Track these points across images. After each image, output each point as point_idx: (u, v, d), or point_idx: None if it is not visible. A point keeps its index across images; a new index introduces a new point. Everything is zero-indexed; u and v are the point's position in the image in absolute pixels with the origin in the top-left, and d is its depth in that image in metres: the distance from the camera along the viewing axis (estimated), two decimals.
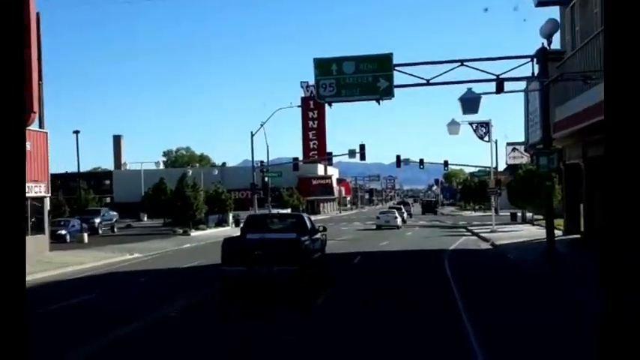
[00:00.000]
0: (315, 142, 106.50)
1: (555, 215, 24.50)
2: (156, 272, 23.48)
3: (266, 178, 61.00)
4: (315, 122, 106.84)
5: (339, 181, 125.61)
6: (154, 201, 59.96)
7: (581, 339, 10.43)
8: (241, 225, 22.60)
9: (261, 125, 57.92)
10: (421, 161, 72.61)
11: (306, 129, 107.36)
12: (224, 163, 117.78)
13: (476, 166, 66.01)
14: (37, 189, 29.40)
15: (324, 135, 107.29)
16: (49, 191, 32.28)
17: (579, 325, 11.63)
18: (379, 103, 24.27)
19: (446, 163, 76.24)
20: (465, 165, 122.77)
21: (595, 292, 13.67)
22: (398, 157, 69.41)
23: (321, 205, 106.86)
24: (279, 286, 15.85)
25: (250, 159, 60.11)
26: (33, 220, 29.97)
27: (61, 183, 69.62)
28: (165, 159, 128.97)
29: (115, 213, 59.29)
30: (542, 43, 22.88)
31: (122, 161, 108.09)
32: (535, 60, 22.94)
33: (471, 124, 50.84)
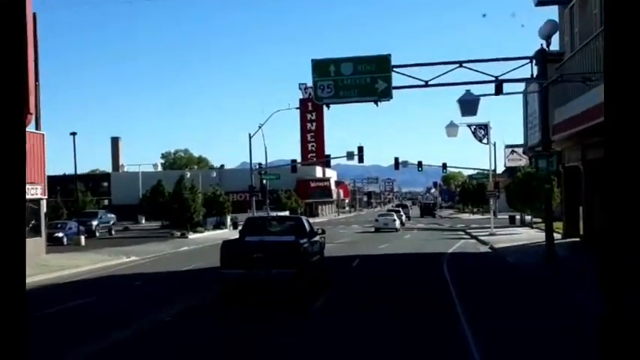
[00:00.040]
0: (314, 144, 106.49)
1: (554, 218, 24.39)
2: (152, 275, 23.36)
3: (264, 181, 60.85)
4: (314, 124, 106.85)
5: (338, 183, 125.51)
6: (151, 203, 59.80)
7: (581, 342, 10.38)
8: (240, 227, 22.48)
9: (259, 127, 57.90)
10: (419, 164, 72.52)
11: (304, 131, 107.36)
12: (222, 166, 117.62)
13: (474, 169, 65.94)
14: (33, 191, 29.21)
15: (322, 137, 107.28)
16: (46, 193, 32.12)
17: (579, 327, 11.59)
18: (377, 105, 24.14)
19: (444, 166, 76.14)
20: (463, 167, 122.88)
21: (595, 294, 13.60)
22: (396, 159, 69.29)
23: (320, 207, 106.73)
24: (277, 289, 15.82)
25: (249, 161, 60.05)
26: (30, 222, 29.80)
27: (59, 185, 69.37)
28: (163, 161, 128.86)
29: (112, 215, 59.13)
30: (541, 45, 22.78)
31: (120, 163, 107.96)
32: (534, 61, 22.83)
33: (469, 126, 50.74)
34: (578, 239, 29.28)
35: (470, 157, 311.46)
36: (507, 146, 64.93)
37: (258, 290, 15.98)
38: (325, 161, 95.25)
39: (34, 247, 28.68)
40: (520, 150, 57.37)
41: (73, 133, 43.24)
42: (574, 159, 28.18)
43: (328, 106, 25.73)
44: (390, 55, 23.74)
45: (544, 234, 24.37)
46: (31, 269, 22.36)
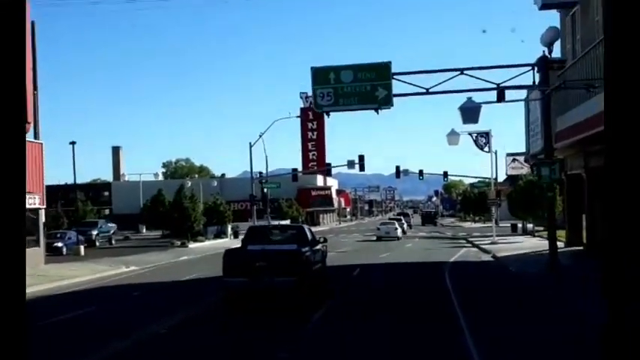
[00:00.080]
0: (315, 152, 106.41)
1: (556, 226, 24.20)
2: (152, 285, 23.18)
3: (265, 189, 60.71)
4: (315, 133, 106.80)
5: (339, 192, 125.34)
6: (152, 213, 59.63)
7: (585, 351, 10.32)
8: (241, 236, 22.37)
9: (260, 136, 57.83)
10: (420, 172, 72.43)
11: (305, 140, 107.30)
12: (223, 175, 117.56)
13: (476, 177, 65.72)
14: (31, 201, 29.03)
15: (323, 146, 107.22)
16: (44, 203, 31.94)
17: (582, 337, 11.52)
18: (378, 113, 24.01)
19: (445, 174, 76.03)
20: (464, 176, 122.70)
21: (598, 303, 13.43)
22: (397, 167, 69.24)
23: (321, 216, 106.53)
24: (279, 297, 15.89)
25: (250, 170, 59.94)
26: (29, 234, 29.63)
27: (60, 195, 69.27)
28: (164, 170, 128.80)
29: (113, 225, 58.94)
30: (543, 52, 22.63)
31: (121, 172, 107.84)
32: (536, 68, 22.68)
33: (470, 134, 50.58)
34: (581, 248, 29.07)
35: (471, 166, 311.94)
36: (509, 154, 64.78)
37: (260, 298, 16.04)
38: (326, 170, 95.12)
39: (33, 257, 28.42)
40: (521, 158, 57.28)
41: (73, 143, 43.19)
42: (577, 167, 27.99)
43: (328, 114, 25.60)
44: (390, 62, 23.63)
45: (546, 242, 24.16)
46: (29, 279, 22.14)
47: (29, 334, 3.54)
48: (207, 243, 50.48)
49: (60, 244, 40.51)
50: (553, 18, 29.54)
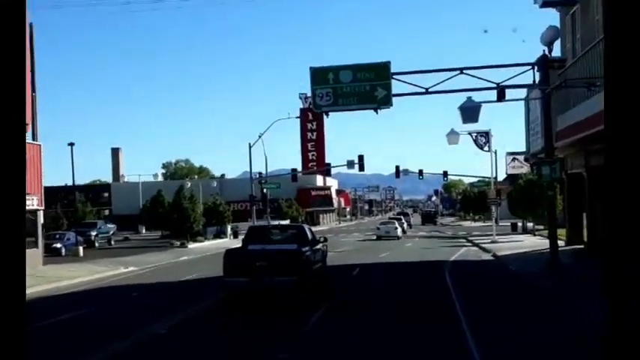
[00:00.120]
0: (314, 153, 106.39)
1: (557, 225, 24.12)
2: (150, 286, 23.10)
3: (265, 190, 60.66)
4: (314, 133, 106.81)
5: (339, 192, 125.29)
6: (151, 213, 59.60)
7: (585, 350, 10.33)
8: (240, 236, 22.35)
9: (259, 137, 57.76)
10: (420, 172, 72.40)
11: (305, 140, 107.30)
12: (223, 175, 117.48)
13: (475, 177, 65.65)
14: (29, 202, 28.93)
15: (323, 146, 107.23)
16: (43, 204, 31.85)
17: (583, 335, 11.55)
18: (377, 113, 23.92)
19: (445, 174, 75.99)
20: (464, 175, 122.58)
21: (599, 302, 13.41)
22: (397, 167, 69.20)
23: (321, 216, 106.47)
24: (279, 297, 15.87)
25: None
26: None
27: (59, 196, 69.22)
28: (164, 171, 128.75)
29: (112, 225, 58.90)
30: (543, 51, 22.54)
31: (120, 173, 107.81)
32: (536, 68, 22.60)
33: (470, 133, 50.51)
34: (581, 246, 29.00)
35: (471, 165, 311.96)
36: (508, 154, 64.69)
37: (260, 298, 16.03)
38: (326, 170, 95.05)
39: (31, 258, 28.33)
40: (521, 157, 57.15)
41: (71, 144, 43.05)
42: (577, 165, 27.92)
43: (327, 114, 25.50)
44: (389, 62, 23.53)
45: (546, 241, 24.09)
46: (27, 280, 22.06)
47: (28, 335, 3.56)
48: (207, 243, 50.43)
49: (59, 245, 40.42)
50: (553, 17, 29.47)
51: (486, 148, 52.10)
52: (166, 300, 19.24)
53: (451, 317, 13.79)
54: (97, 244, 48.79)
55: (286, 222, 59.91)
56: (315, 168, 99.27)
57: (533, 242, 38.55)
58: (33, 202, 29.76)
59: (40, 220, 31.85)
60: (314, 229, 28.90)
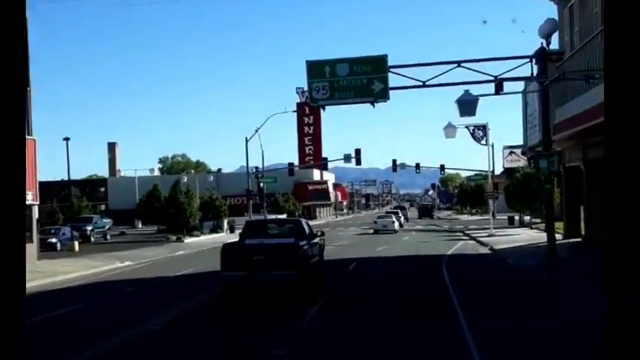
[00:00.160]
0: (311, 147, 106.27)
1: (554, 218, 24.04)
2: (146, 281, 22.95)
3: (261, 184, 60.58)
4: (311, 128, 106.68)
5: (336, 186, 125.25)
6: (148, 208, 59.48)
7: (583, 343, 10.31)
8: (237, 231, 22.28)
9: (256, 131, 57.60)
10: (417, 165, 72.36)
11: (301, 134, 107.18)
12: (220, 170, 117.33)
13: (472, 170, 65.59)
14: None
15: (319, 140, 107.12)
16: (37, 199, 31.65)
17: (580, 329, 11.52)
18: (374, 106, 23.82)
19: (442, 168, 75.95)
20: (461, 169, 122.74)
21: (597, 295, 13.39)
22: (394, 161, 69.15)
23: (318, 210, 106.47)
24: (277, 291, 15.87)
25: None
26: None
27: (55, 191, 69.02)
28: (161, 166, 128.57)
29: (108, 220, 58.73)
30: (541, 43, 22.43)
31: (117, 168, 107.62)
32: (534, 60, 22.48)
33: (467, 127, 50.49)
34: (579, 240, 28.94)
35: (468, 159, 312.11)
36: (506, 147, 64.76)
37: (258, 292, 16.03)
38: (323, 164, 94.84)
39: (26, 253, 28.23)
40: (518, 151, 57.17)
41: (67, 139, 42.85)
42: (575, 159, 27.83)
43: (324, 108, 25.38)
44: (386, 55, 23.41)
45: (543, 234, 24.04)
46: None
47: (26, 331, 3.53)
48: (203, 238, 50.36)
49: (54, 240, 40.29)
50: (551, 10, 29.32)
51: (483, 142, 52.11)
52: (163, 295, 19.13)
53: (448, 311, 13.73)
54: (92, 239, 48.65)
55: (283, 216, 59.86)
56: (311, 162, 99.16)
57: (531, 236, 38.52)
58: (28, 197, 29.57)
59: (35, 214, 31.67)
60: (311, 223, 28.83)
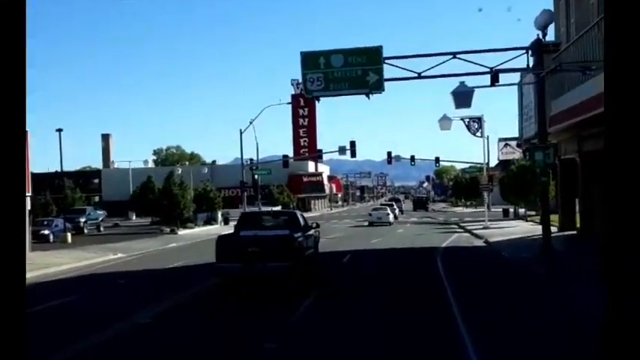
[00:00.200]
0: (306, 139, 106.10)
1: (549, 211, 23.95)
2: (138, 273, 22.80)
3: (256, 176, 60.45)
4: (306, 120, 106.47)
5: (330, 178, 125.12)
6: (141, 200, 59.23)
7: (578, 336, 10.28)
8: (231, 223, 22.22)
9: (250, 123, 57.45)
10: (412, 158, 72.41)
11: (296, 126, 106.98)
12: (214, 161, 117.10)
13: (467, 162, 65.52)
14: None
15: (314, 132, 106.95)
16: (30, 191, 31.47)
17: (576, 321, 11.49)
18: (369, 98, 23.65)
19: (437, 160, 76.02)
20: (456, 161, 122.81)
21: (592, 288, 13.32)
22: (389, 153, 69.19)
23: (312, 202, 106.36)
24: (271, 283, 15.93)
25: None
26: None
27: (49, 183, 68.72)
28: (155, 157, 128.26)
29: (101, 212, 58.53)
30: (537, 35, 22.25)
31: (111, 160, 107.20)
32: (530, 52, 22.32)
33: (463, 119, 50.38)
34: (574, 232, 28.88)
35: (463, 151, 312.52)
36: (501, 139, 64.72)
37: (253, 284, 16.06)
38: (317, 156, 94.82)
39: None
40: (513, 143, 57.18)
41: (59, 130, 42.57)
42: (570, 151, 27.74)
43: (318, 100, 25.19)
44: (381, 46, 23.23)
45: (538, 227, 23.97)
46: None
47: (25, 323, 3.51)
48: (197, 230, 50.22)
49: (47, 232, 40.07)
50: (547, 1, 29.18)
51: (479, 134, 52.02)
52: (154, 287, 19.01)
53: (443, 304, 13.68)
54: (85, 231, 48.44)
55: (277, 208, 59.76)
56: (306, 154, 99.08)
57: (526, 228, 38.47)
58: None
59: (28, 206, 31.47)
60: (305, 215, 28.71)
